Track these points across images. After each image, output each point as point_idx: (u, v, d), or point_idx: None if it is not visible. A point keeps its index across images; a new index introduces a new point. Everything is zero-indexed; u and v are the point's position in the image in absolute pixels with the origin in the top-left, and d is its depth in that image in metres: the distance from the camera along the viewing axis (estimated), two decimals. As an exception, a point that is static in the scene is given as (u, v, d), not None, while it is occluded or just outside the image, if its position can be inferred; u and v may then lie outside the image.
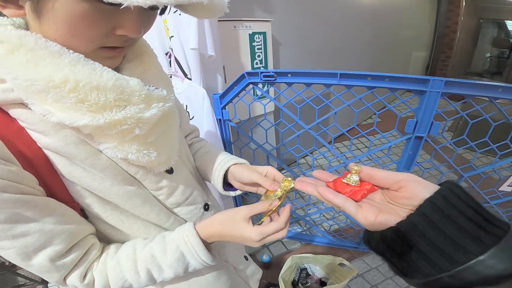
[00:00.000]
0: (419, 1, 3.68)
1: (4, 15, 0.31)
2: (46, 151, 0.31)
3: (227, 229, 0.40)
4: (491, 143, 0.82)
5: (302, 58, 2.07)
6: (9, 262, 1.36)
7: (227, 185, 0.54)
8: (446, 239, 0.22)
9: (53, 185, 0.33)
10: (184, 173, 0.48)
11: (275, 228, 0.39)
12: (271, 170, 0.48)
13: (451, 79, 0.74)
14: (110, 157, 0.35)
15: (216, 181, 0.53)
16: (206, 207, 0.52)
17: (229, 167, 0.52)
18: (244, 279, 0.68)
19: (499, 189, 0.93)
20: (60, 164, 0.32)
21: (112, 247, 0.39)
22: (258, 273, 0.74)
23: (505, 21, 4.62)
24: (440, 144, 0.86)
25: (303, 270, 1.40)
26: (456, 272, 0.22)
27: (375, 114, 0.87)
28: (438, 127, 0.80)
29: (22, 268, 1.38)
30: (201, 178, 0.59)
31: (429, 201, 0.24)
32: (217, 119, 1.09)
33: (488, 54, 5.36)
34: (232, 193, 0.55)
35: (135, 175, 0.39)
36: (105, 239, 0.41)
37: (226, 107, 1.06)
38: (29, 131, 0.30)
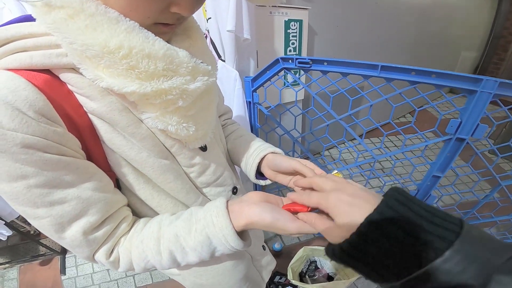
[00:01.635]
0: (477, 0, 3.32)
1: None
2: (91, 116, 0.32)
3: (265, 218, 0.34)
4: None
5: (338, 49, 1.99)
6: (34, 231, 1.49)
7: (258, 173, 0.53)
8: (395, 247, 0.22)
9: (94, 151, 0.33)
10: (217, 152, 0.48)
11: (309, 229, 0.33)
12: (310, 163, 0.46)
13: (507, 81, 0.67)
14: (150, 127, 0.35)
15: (250, 167, 0.52)
16: (235, 191, 0.51)
17: (265, 155, 0.51)
18: (258, 269, 0.68)
19: None
20: (103, 129, 0.32)
21: (141, 222, 0.38)
22: (272, 263, 0.74)
23: None
24: (478, 150, 0.80)
25: (312, 262, 1.41)
26: (410, 279, 0.22)
27: (413, 111, 0.82)
28: (484, 130, 0.74)
29: (45, 238, 1.52)
30: (231, 160, 0.59)
31: (377, 211, 0.24)
32: (247, 101, 1.10)
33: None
34: (263, 182, 0.54)
35: (170, 148, 0.39)
36: (134, 214, 0.41)
37: (257, 91, 1.07)
38: (77, 95, 0.31)
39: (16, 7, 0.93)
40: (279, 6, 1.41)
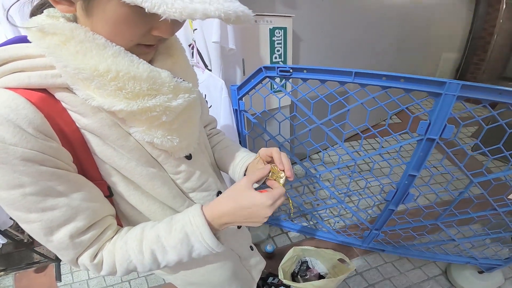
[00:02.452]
0: (455, 1, 3.47)
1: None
2: (83, 131, 0.35)
3: (238, 202, 0.40)
4: (505, 150, 0.80)
5: (323, 55, 2.05)
6: (28, 239, 1.50)
7: None
8: None
9: (86, 163, 0.36)
10: (201, 160, 0.52)
11: (280, 191, 0.42)
12: (262, 153, 0.52)
13: (469, 83, 0.73)
14: (137, 140, 0.39)
15: (238, 176, 0.57)
16: (219, 195, 0.54)
17: (250, 163, 0.56)
18: (247, 268, 0.72)
19: (508, 197, 0.91)
20: (94, 143, 0.36)
21: (125, 229, 0.41)
22: (262, 263, 0.78)
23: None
24: (468, 153, 0.85)
25: (303, 262, 1.44)
26: None
27: (398, 113, 0.88)
28: (451, 131, 0.80)
29: (39, 246, 1.52)
30: (217, 167, 0.64)
31: None
32: (233, 109, 1.14)
33: (527, 59, 4.94)
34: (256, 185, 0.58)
35: (157, 158, 0.42)
36: (125, 219, 0.45)
37: (243, 99, 1.11)
38: (70, 112, 0.34)
39: (10, 31, 0.98)
40: (263, 15, 1.46)
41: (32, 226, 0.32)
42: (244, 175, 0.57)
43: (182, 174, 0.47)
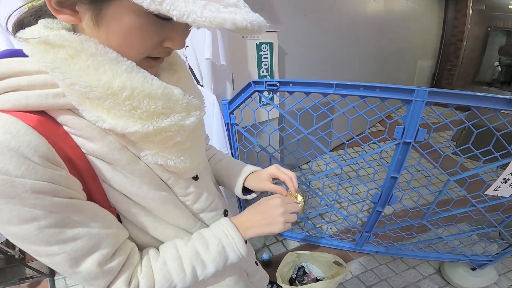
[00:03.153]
0: (426, 10, 3.73)
1: (51, 17, 0.32)
2: (89, 157, 0.32)
3: (253, 206, 0.46)
4: (475, 149, 0.89)
5: (308, 67, 2.15)
6: (19, 255, 1.47)
7: (243, 190, 0.60)
8: None
9: (94, 190, 0.33)
10: (207, 179, 0.51)
11: (290, 198, 0.48)
12: (273, 172, 0.55)
13: (435, 89, 0.82)
14: (148, 163, 0.37)
15: (236, 188, 0.59)
16: (226, 213, 0.55)
17: (247, 176, 0.58)
18: (254, 284, 0.69)
19: (485, 193, 0.99)
20: (103, 169, 0.33)
21: (152, 251, 0.40)
22: (266, 278, 0.77)
23: (515, 29, 4.58)
24: (444, 152, 0.93)
25: (300, 268, 1.47)
26: None
27: (382, 121, 0.96)
28: (423, 134, 0.88)
29: (32, 261, 1.49)
30: (217, 185, 0.64)
31: None
32: (225, 123, 1.19)
33: (496, 63, 5.31)
34: (249, 197, 0.61)
35: (167, 181, 0.40)
36: (137, 244, 0.42)
37: (234, 112, 1.17)
38: (74, 137, 0.30)
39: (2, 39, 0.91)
40: (250, 31, 1.54)
41: (56, 259, 0.30)
42: (243, 186, 0.58)
43: (191, 196, 0.45)
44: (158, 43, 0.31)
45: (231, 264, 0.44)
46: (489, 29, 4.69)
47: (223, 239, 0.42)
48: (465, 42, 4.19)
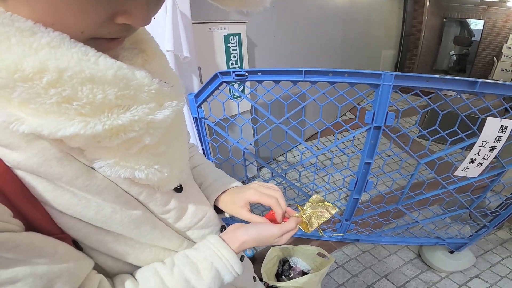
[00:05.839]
0: (387, 1, 3.91)
1: None
2: (17, 171, 0.23)
3: (247, 232, 0.39)
4: (442, 131, 0.92)
5: (277, 58, 2.14)
6: None
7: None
8: None
9: (33, 216, 0.24)
10: (194, 191, 0.42)
11: (291, 226, 0.41)
12: (252, 198, 0.44)
13: (400, 73, 0.83)
14: (108, 176, 0.27)
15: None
16: (223, 230, 0.45)
17: (218, 196, 0.48)
18: None
19: (454, 174, 1.02)
20: (40, 188, 0.23)
21: (128, 281, 0.32)
22: None
23: (467, 19, 5.01)
24: (410, 136, 0.95)
25: (285, 262, 1.45)
26: None
27: (353, 109, 0.94)
28: (393, 118, 0.89)
29: None
30: None
31: None
32: (193, 117, 1.12)
33: (452, 52, 5.78)
34: (227, 215, 0.50)
35: (137, 196, 0.31)
36: (104, 273, 0.32)
37: (202, 106, 1.10)
38: None
39: None
40: (217, 22, 1.47)
41: None
42: (214, 205, 0.48)
43: (173, 213, 0.36)
44: (106, 18, 0.21)
45: (226, 284, 0.38)
46: (444, 19, 5.07)
47: (216, 263, 0.35)
48: (423, 33, 4.47)
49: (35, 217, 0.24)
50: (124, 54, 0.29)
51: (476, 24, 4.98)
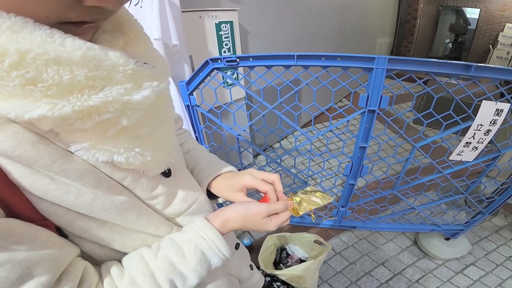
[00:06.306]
0: (383, -10, 3.86)
1: None
2: None
3: (236, 208, 0.39)
4: (436, 114, 0.91)
5: (271, 45, 2.11)
6: None
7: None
8: None
9: (13, 202, 0.24)
10: (184, 174, 0.42)
11: (279, 206, 0.40)
12: (248, 183, 0.44)
13: (394, 57, 0.82)
14: (86, 160, 0.27)
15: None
16: None
17: (212, 180, 0.47)
18: None
19: (449, 158, 1.02)
20: (16, 173, 0.23)
21: (114, 267, 0.32)
22: (261, 281, 0.69)
23: (463, 8, 4.97)
24: (405, 120, 0.93)
25: (283, 250, 1.46)
26: None
27: (348, 95, 0.93)
28: (387, 101, 0.88)
29: None
30: None
31: None
32: (185, 105, 1.10)
33: (447, 40, 5.75)
34: (221, 200, 0.50)
35: (121, 182, 0.30)
36: (91, 260, 0.32)
37: (194, 93, 1.08)
38: None
39: None
40: (208, 10, 1.44)
41: None
42: (207, 190, 0.48)
43: (161, 198, 0.35)
44: (72, 1, 0.20)
45: (216, 268, 0.37)
46: (440, 7, 5.02)
47: (200, 244, 0.35)
48: (419, 20, 4.44)
49: (15, 203, 0.24)
50: (104, 36, 0.29)
51: (472, 13, 4.94)
